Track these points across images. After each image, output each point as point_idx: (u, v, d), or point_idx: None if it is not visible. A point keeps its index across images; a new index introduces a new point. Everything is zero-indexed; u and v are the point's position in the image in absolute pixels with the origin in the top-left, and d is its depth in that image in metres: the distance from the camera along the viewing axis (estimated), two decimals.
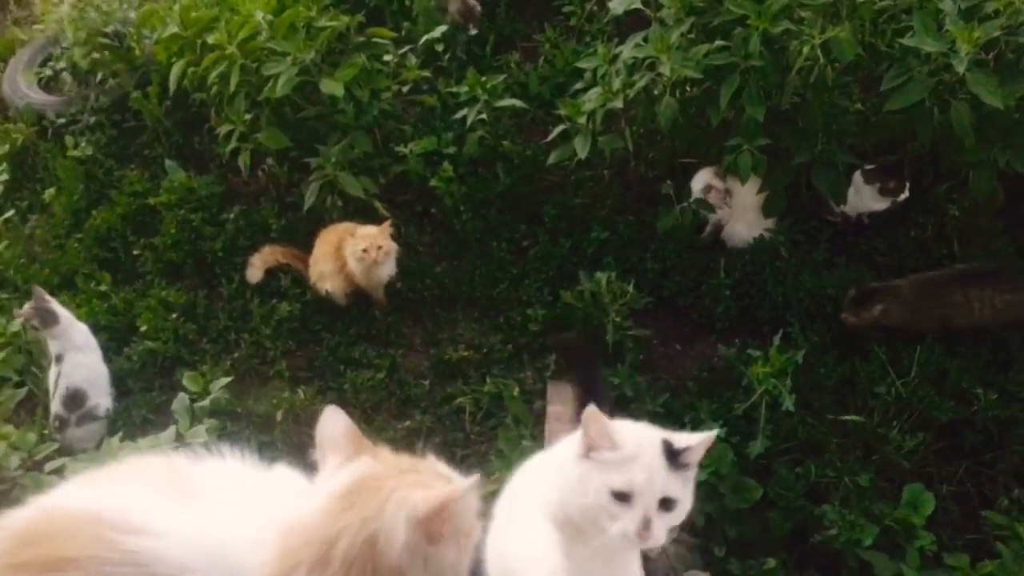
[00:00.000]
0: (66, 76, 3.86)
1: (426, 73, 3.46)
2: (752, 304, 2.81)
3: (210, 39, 3.05)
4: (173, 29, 3.25)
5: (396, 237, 2.96)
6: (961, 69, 2.25)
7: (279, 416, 2.66)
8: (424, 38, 3.56)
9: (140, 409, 2.71)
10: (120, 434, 2.41)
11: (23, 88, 3.91)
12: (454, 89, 3.38)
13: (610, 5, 2.98)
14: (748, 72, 2.56)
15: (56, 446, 2.44)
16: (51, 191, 3.53)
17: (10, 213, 3.54)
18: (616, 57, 2.85)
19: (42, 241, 3.43)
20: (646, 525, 1.41)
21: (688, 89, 2.82)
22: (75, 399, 2.64)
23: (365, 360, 2.85)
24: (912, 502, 2.19)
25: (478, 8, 3.76)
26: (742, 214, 2.97)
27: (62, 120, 3.76)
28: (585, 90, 2.95)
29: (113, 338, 2.95)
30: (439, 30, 3.57)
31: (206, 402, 2.51)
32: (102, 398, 2.70)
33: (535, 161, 3.24)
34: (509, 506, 1.67)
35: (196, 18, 3.21)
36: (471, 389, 2.71)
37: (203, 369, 2.76)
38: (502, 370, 2.76)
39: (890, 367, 2.53)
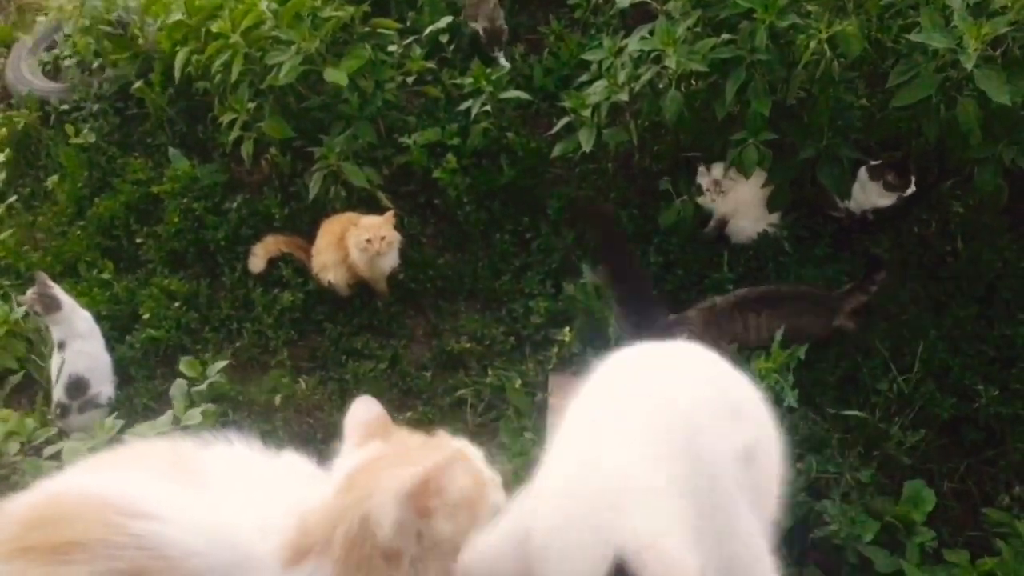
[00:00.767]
0: (70, 63, 3.84)
1: (431, 64, 3.45)
2: None
3: (214, 27, 3.03)
4: (177, 17, 3.23)
5: (399, 228, 2.95)
6: (969, 65, 2.24)
7: (277, 400, 2.66)
8: (429, 29, 3.54)
9: (142, 397, 2.72)
10: (115, 415, 2.40)
11: (27, 75, 3.90)
12: (458, 80, 3.37)
13: None
14: (754, 66, 2.55)
15: (55, 431, 2.44)
16: (54, 178, 3.52)
17: (13, 199, 3.53)
18: (622, 50, 2.83)
19: (45, 228, 3.42)
20: None
21: (694, 83, 2.81)
22: (77, 387, 2.64)
23: (367, 351, 2.85)
24: (913, 498, 2.18)
25: (506, 31, 3.69)
26: (746, 209, 2.96)
27: (65, 107, 3.75)
28: (590, 83, 2.94)
29: (115, 326, 2.95)
30: (444, 21, 3.55)
31: (203, 386, 2.50)
32: (104, 386, 2.70)
33: (539, 153, 3.23)
34: None
35: (200, 6, 3.20)
36: (473, 381, 2.71)
37: (205, 357, 2.75)
38: (504, 362, 2.75)
39: (892, 363, 2.52)
